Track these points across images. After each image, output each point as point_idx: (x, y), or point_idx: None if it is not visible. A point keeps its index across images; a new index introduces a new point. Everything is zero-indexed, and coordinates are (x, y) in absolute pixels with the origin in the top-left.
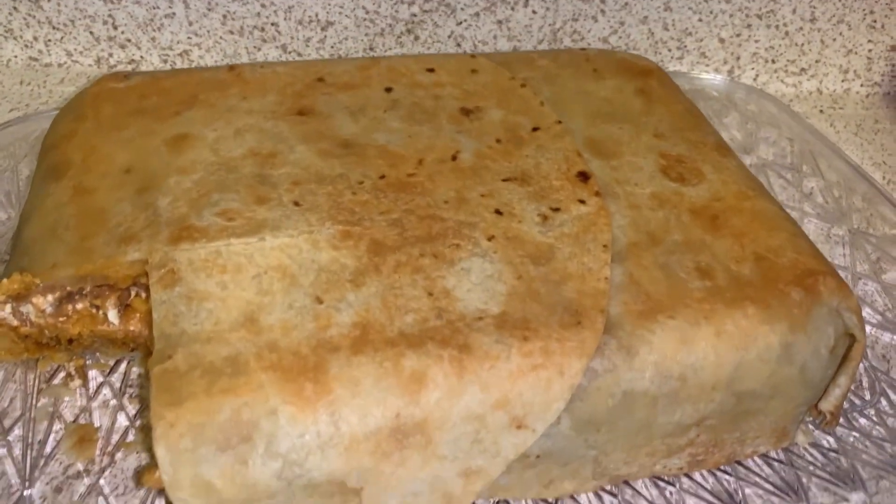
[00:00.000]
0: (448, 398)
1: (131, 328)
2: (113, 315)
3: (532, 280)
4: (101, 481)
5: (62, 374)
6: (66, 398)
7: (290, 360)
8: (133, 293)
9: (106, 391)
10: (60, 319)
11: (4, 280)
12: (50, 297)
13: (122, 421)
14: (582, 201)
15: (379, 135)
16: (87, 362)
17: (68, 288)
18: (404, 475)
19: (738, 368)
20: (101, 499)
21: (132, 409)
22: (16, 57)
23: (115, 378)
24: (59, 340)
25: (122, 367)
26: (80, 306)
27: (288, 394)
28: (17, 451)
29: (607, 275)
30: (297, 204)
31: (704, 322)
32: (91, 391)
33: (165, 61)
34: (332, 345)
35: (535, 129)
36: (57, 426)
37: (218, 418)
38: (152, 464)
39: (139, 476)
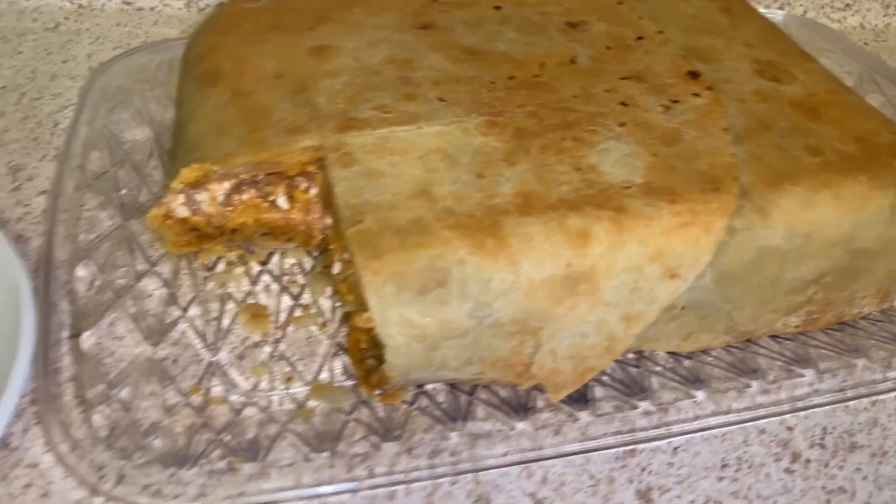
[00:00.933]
0: (610, 251)
1: (292, 216)
2: (282, 201)
3: (667, 157)
4: (282, 346)
5: (221, 266)
6: (232, 283)
7: (467, 221)
8: (297, 184)
9: (265, 277)
10: (228, 209)
11: (184, 169)
12: (225, 185)
13: (286, 301)
14: (696, 94)
15: (499, 44)
16: (244, 254)
17: (242, 176)
18: (575, 318)
19: (854, 227)
20: (283, 362)
21: (293, 291)
22: (110, 1)
23: (272, 267)
24: (222, 231)
25: (275, 258)
26: (245, 196)
27: (472, 247)
28: (199, 325)
29: (733, 151)
30: (441, 100)
31: (824, 188)
32: (252, 277)
33: None
34: (500, 209)
35: (639, 38)
36: (229, 306)
37: (415, 267)
38: (359, 309)
39: (346, 317)
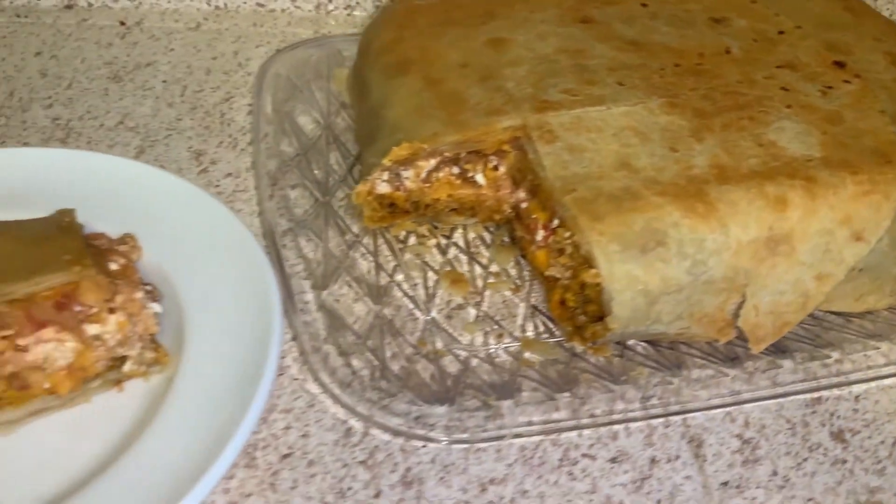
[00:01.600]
0: (806, 216)
1: (483, 192)
2: (479, 178)
3: (835, 135)
4: (484, 307)
5: (412, 240)
6: (426, 254)
7: (673, 188)
8: (489, 162)
9: (453, 250)
10: (426, 185)
11: (395, 147)
12: (432, 162)
13: (478, 269)
14: (847, 81)
15: (655, 36)
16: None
17: (446, 154)
18: (775, 276)
19: None
20: (488, 321)
21: (481, 261)
22: (245, 3)
23: (457, 240)
24: (416, 207)
25: (457, 233)
26: (442, 174)
27: (684, 210)
28: (407, 289)
29: (893, 130)
30: (620, 84)
31: None
32: (442, 249)
33: (378, 7)
34: (700, 179)
35: (780, 33)
36: (429, 274)
37: (635, 228)
38: (575, 269)
39: (546, 281)
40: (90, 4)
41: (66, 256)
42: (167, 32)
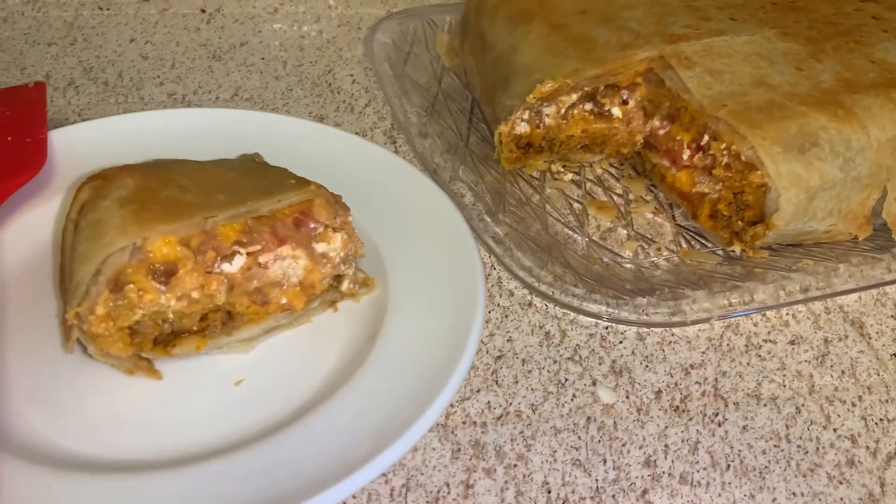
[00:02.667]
0: None
1: (615, 125)
2: (616, 111)
3: None
4: (633, 228)
5: (547, 177)
6: (566, 188)
7: (812, 99)
8: (620, 96)
9: (588, 184)
10: (563, 122)
11: (539, 85)
12: (573, 96)
13: (615, 198)
14: None
15: None
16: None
17: (586, 88)
18: None
19: None
20: (642, 238)
21: (616, 191)
22: None
23: (588, 174)
24: (550, 145)
25: (586, 171)
26: (576, 111)
27: (828, 116)
28: (559, 217)
29: None
30: (732, 19)
31: None
32: (578, 182)
33: None
34: (832, 90)
35: None
36: (574, 204)
37: (791, 132)
38: (748, 171)
39: (690, 198)
40: None
41: (290, 181)
42: (249, 17)
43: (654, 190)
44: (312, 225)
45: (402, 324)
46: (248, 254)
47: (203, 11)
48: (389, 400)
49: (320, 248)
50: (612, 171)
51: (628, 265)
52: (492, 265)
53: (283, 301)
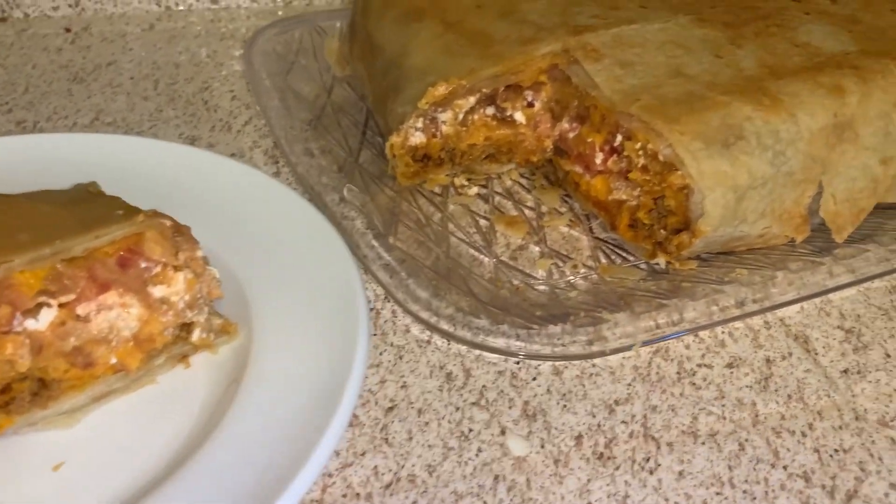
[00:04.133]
0: (863, 99)
1: (521, 131)
2: (520, 115)
3: (861, 32)
4: (547, 244)
5: (451, 192)
6: (471, 204)
7: (734, 87)
8: (524, 98)
9: (496, 198)
10: (463, 129)
11: (430, 88)
12: (470, 100)
13: (527, 212)
14: None
15: None
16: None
17: (484, 90)
18: (845, 162)
19: None
20: (556, 255)
21: (528, 203)
22: (197, 2)
23: (497, 187)
24: (451, 156)
25: (494, 184)
26: (477, 116)
27: (753, 105)
28: (464, 237)
29: None
30: (643, 7)
31: None
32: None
33: None
34: (756, 77)
35: None
36: (480, 221)
37: (712, 125)
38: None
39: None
40: (26, 15)
41: (118, 212)
42: (120, 35)
43: (570, 200)
44: (144, 264)
45: (266, 378)
46: (61, 305)
47: (68, 31)
48: (244, 476)
49: (158, 291)
50: (523, 181)
51: (541, 287)
52: (385, 298)
53: (114, 361)
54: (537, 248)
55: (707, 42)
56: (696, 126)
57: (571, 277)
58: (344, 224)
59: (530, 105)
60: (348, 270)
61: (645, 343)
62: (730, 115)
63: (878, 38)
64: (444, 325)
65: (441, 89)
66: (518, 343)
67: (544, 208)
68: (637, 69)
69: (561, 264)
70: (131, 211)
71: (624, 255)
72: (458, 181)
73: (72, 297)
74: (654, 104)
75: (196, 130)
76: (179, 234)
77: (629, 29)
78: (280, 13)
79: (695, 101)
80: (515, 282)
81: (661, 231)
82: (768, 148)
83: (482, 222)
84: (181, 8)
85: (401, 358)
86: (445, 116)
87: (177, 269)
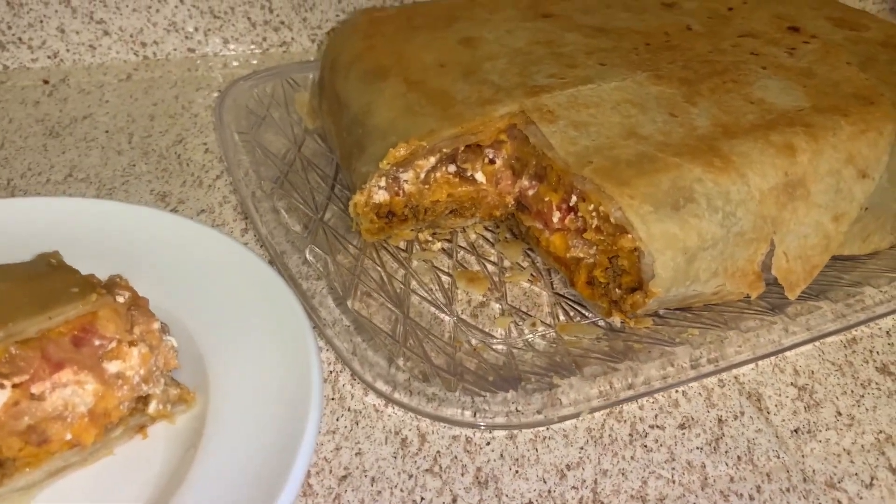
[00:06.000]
0: (814, 158)
1: (483, 187)
2: (479, 174)
3: (815, 87)
4: (508, 301)
5: (416, 248)
6: (434, 259)
7: (685, 148)
8: (485, 156)
9: (459, 252)
10: (425, 187)
11: (392, 150)
12: (431, 160)
13: (490, 267)
14: (806, 42)
15: (617, 22)
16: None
17: (444, 150)
18: (797, 220)
19: None
20: (516, 313)
21: (490, 258)
22: (175, 50)
23: (461, 241)
24: (415, 212)
25: (458, 237)
26: (439, 174)
27: (703, 166)
28: (425, 294)
29: (865, 76)
30: (602, 64)
31: None
32: (448, 252)
33: (313, 41)
34: (708, 137)
35: (730, 9)
36: (443, 277)
37: (662, 188)
38: (609, 237)
39: (568, 265)
40: (5, 67)
41: (73, 289)
42: (98, 86)
43: (532, 254)
44: (98, 342)
45: (221, 446)
46: (14, 386)
47: (46, 83)
48: None
49: (113, 367)
50: (488, 234)
51: (499, 346)
52: (342, 363)
53: (69, 437)
54: (498, 306)
55: (662, 100)
56: (646, 189)
57: (530, 336)
58: (305, 287)
59: (492, 162)
60: (304, 337)
61: (593, 410)
62: (680, 178)
63: (832, 93)
64: (399, 395)
65: (402, 151)
66: (468, 413)
67: (507, 263)
68: (591, 130)
69: (520, 322)
70: (87, 287)
71: (583, 311)
72: (422, 236)
73: (25, 377)
74: (605, 166)
75: (167, 186)
76: (136, 307)
77: (585, 89)
78: (255, 62)
79: (646, 163)
80: (474, 341)
81: (617, 290)
82: (718, 209)
83: (445, 279)
84: (159, 57)
85: (357, 423)
86: (407, 175)
87: (132, 344)
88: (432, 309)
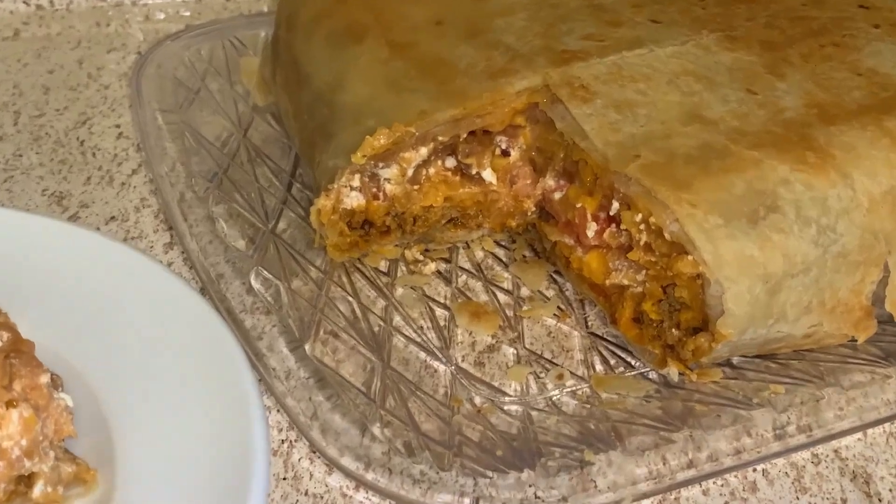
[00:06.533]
0: None
1: (493, 188)
2: (488, 173)
3: None
4: (526, 344)
5: (402, 269)
6: (425, 285)
7: (769, 138)
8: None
9: (461, 276)
10: (414, 189)
11: (368, 138)
12: (423, 151)
13: (502, 296)
14: None
15: None
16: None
17: (440, 138)
18: None
19: None
20: (537, 361)
21: (502, 284)
22: None
23: (462, 261)
24: (400, 222)
25: (460, 255)
26: (433, 171)
27: (792, 163)
28: (412, 334)
29: None
30: (655, 21)
31: None
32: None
33: None
34: (799, 122)
35: None
36: (437, 310)
37: (735, 193)
38: (676, 254)
39: (610, 296)
40: None
41: None
42: None
43: (560, 280)
44: None
45: None
46: None
47: None
48: None
49: None
50: (501, 252)
51: (513, 407)
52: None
53: None
54: (512, 351)
55: (738, 71)
56: (713, 194)
57: (555, 392)
58: (249, 324)
59: (505, 154)
60: (245, 394)
61: (642, 496)
62: (760, 178)
63: None
64: (374, 476)
65: (382, 139)
66: (468, 500)
67: (525, 291)
68: (639, 112)
69: (542, 373)
70: None
71: (628, 359)
72: (410, 254)
73: None
74: (658, 162)
75: (66, 184)
76: (17, 353)
77: (632, 56)
78: (187, 13)
79: (713, 159)
80: (478, 400)
81: (674, 330)
82: (812, 222)
83: (440, 313)
84: (57, 7)
85: None
86: (390, 172)
87: (10, 404)
88: (422, 355)
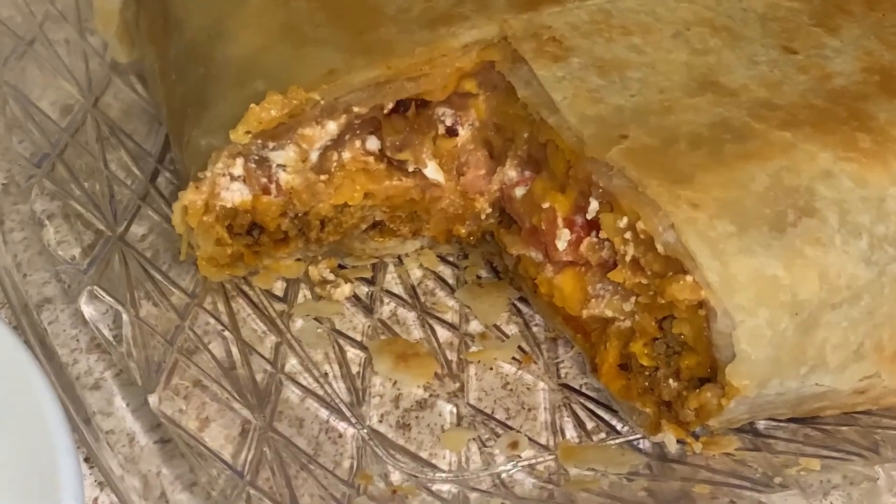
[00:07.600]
0: None
1: (433, 181)
2: (428, 160)
3: None
4: (470, 399)
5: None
6: (335, 316)
7: (807, 114)
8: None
9: (387, 303)
10: (321, 179)
11: (254, 106)
12: (330, 127)
13: (443, 332)
14: None
15: None
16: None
17: (357, 109)
18: None
19: None
20: (483, 422)
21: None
22: None
23: (390, 285)
24: (303, 226)
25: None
26: (348, 155)
27: (837, 149)
28: (310, 383)
29: None
30: None
31: None
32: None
33: None
34: (852, 94)
35: None
36: (349, 350)
37: (754, 189)
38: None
39: (591, 331)
40: None
41: None
42: None
43: (528, 309)
44: None
45: None
46: None
47: None
48: None
49: None
50: (445, 269)
51: (445, 487)
52: None
53: None
54: (450, 408)
55: (773, 22)
56: (723, 191)
57: (506, 468)
58: (73, 370)
59: (450, 133)
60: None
61: None
62: (791, 170)
63: None
64: None
65: (273, 109)
66: None
67: (476, 326)
68: (631, 77)
69: (489, 441)
70: None
71: (611, 421)
72: (317, 272)
73: None
74: (651, 146)
75: None
76: None
77: None
78: None
79: (728, 142)
80: (396, 476)
81: (671, 381)
82: (862, 231)
83: (353, 355)
84: None
85: None
86: (285, 157)
87: None
88: (323, 413)
